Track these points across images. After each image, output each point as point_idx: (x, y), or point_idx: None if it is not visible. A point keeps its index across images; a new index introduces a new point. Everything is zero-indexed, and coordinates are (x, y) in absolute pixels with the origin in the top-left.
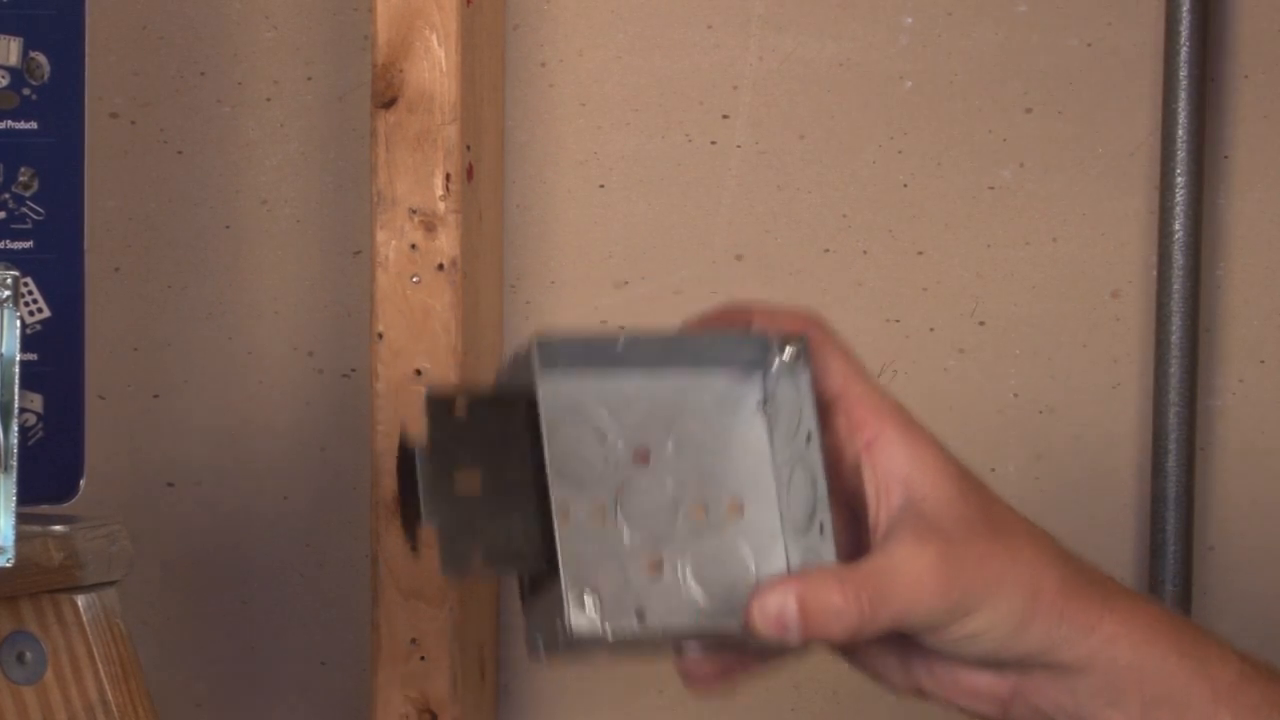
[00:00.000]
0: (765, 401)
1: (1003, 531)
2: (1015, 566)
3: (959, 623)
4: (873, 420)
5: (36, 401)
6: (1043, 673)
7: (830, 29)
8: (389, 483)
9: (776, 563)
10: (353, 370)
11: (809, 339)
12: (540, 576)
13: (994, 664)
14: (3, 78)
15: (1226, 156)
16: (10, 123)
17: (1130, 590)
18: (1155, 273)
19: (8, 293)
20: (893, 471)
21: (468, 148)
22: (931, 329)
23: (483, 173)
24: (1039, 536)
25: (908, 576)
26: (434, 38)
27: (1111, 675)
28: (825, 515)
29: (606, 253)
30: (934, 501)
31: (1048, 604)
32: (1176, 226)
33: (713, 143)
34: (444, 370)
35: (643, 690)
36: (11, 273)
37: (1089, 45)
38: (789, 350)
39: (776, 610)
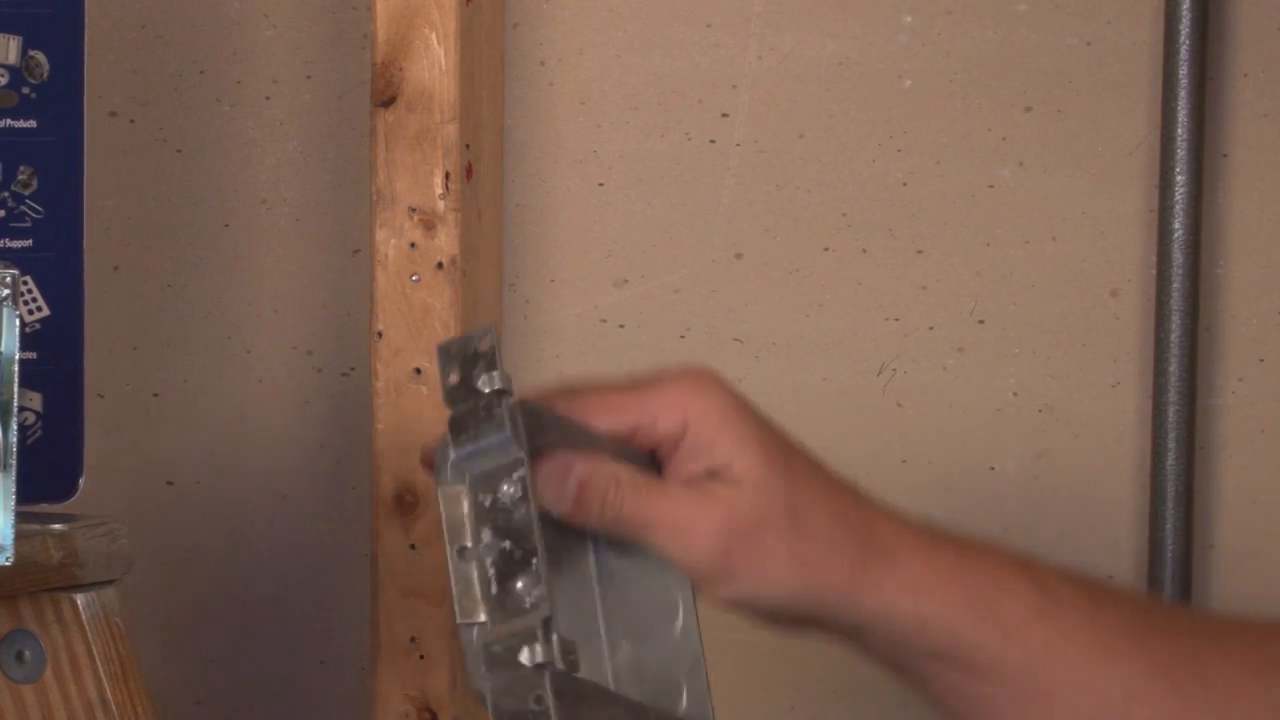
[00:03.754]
0: None
1: (796, 516)
2: (792, 549)
3: (718, 585)
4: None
5: (36, 400)
6: (824, 630)
7: (830, 28)
8: (388, 481)
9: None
10: (352, 369)
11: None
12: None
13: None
14: (2, 76)
15: (1226, 155)
16: (9, 121)
17: (926, 541)
18: (1155, 271)
19: (7, 291)
20: (711, 449)
21: (467, 146)
22: (931, 328)
23: (482, 171)
24: (840, 518)
25: (683, 523)
26: (433, 36)
27: (891, 631)
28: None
29: (606, 251)
30: (739, 474)
31: (820, 582)
32: (1176, 225)
33: (712, 141)
34: None
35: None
36: (11, 271)
37: (1088, 44)
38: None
39: (564, 468)
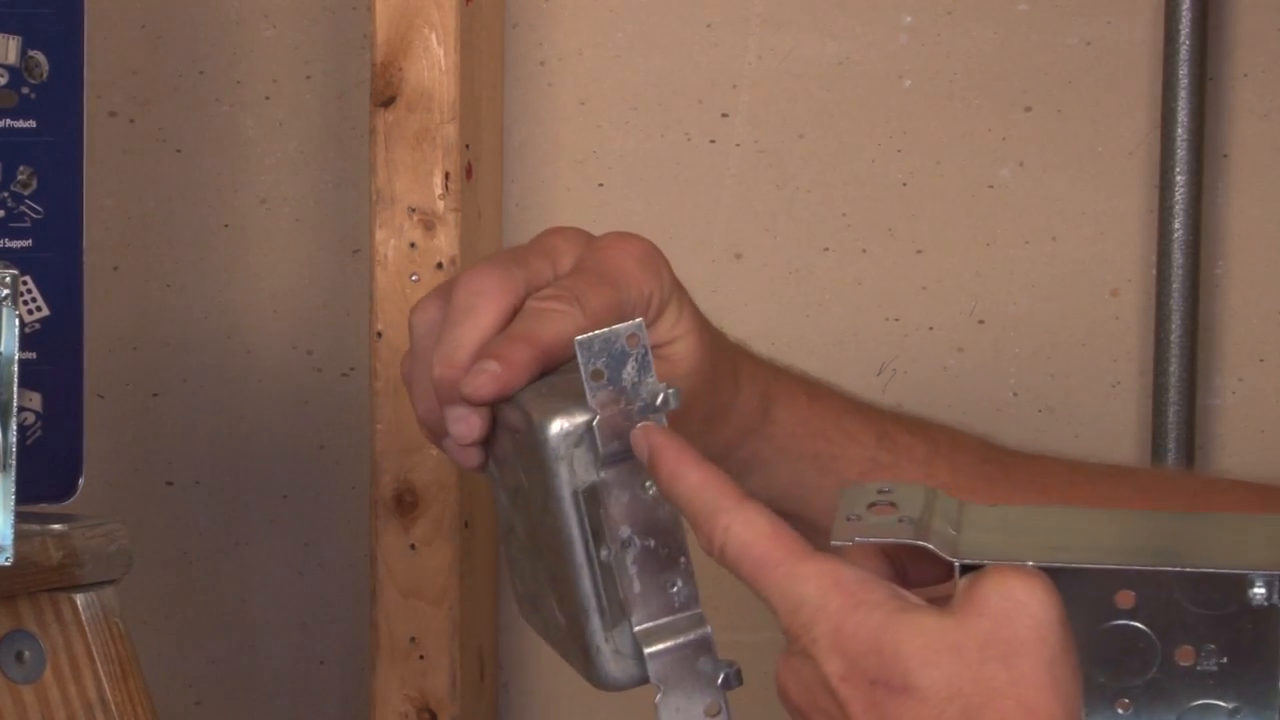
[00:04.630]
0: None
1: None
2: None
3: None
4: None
5: (35, 400)
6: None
7: (830, 28)
8: (388, 481)
9: None
10: (352, 369)
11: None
12: None
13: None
14: (1, 76)
15: (1226, 155)
16: (9, 121)
17: (797, 383)
18: (1155, 271)
19: (7, 291)
20: (658, 327)
21: (467, 146)
22: (931, 328)
23: (482, 171)
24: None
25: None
26: (433, 36)
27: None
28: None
29: None
30: (680, 352)
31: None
32: (1176, 225)
33: (712, 141)
34: None
35: (641, 689)
36: (10, 271)
37: (1088, 44)
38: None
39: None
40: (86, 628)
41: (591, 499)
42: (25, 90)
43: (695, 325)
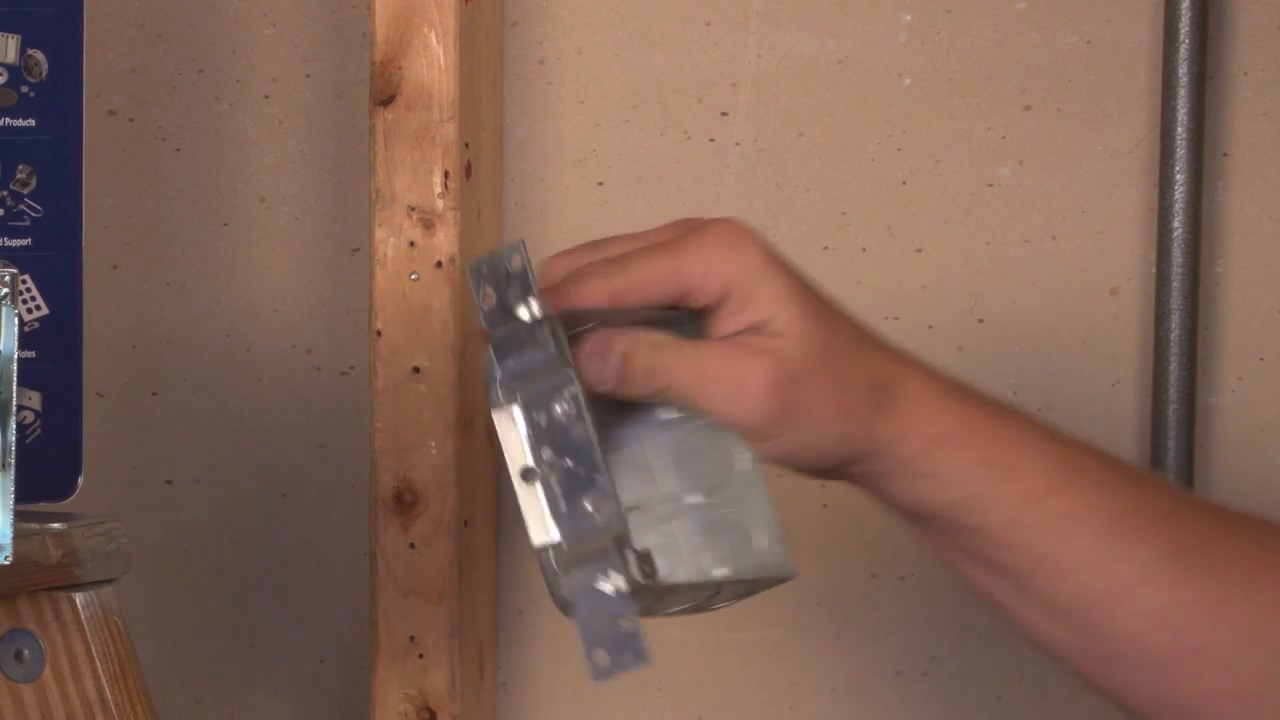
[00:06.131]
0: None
1: (836, 365)
2: (838, 395)
3: (765, 440)
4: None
5: (35, 399)
6: (856, 475)
7: (829, 26)
8: (387, 480)
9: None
10: (351, 368)
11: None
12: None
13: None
14: (1, 75)
15: (1225, 154)
16: (8, 120)
17: (956, 398)
18: (1154, 270)
19: (6, 290)
20: (752, 304)
21: (466, 145)
22: (930, 326)
23: (481, 170)
24: (873, 369)
25: (731, 380)
26: (432, 35)
27: (913, 480)
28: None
29: None
30: (782, 326)
31: (858, 428)
32: (1175, 224)
33: (711, 140)
34: (442, 367)
35: (642, 689)
36: (10, 270)
37: (1088, 42)
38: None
39: (605, 345)
40: (86, 627)
41: (527, 422)
42: (24, 89)
43: (797, 300)
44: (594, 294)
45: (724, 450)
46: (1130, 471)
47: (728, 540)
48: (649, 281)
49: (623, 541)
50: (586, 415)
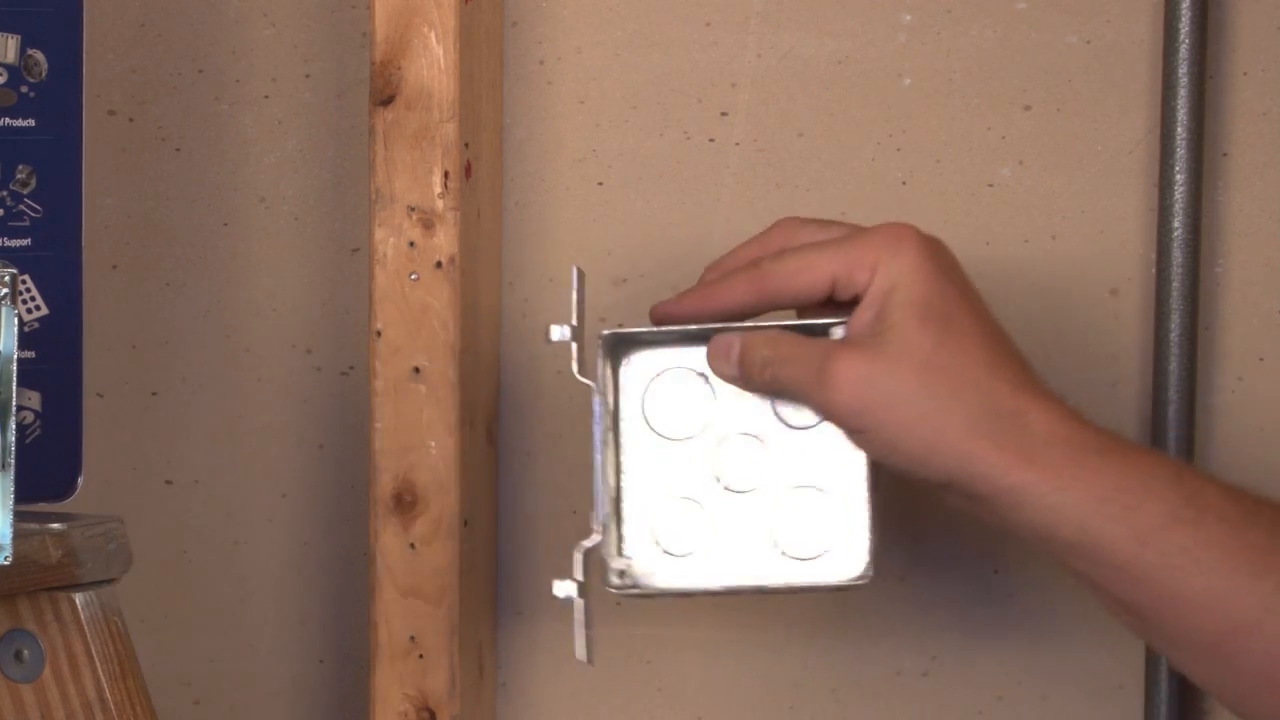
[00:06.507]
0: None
1: (933, 376)
2: (925, 405)
3: (857, 436)
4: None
5: (35, 399)
6: (961, 496)
7: (829, 26)
8: (387, 480)
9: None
10: (351, 368)
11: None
12: None
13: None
14: (1, 75)
15: (1226, 154)
16: (8, 120)
17: (1076, 435)
18: (1154, 270)
19: (6, 290)
20: (885, 301)
21: (466, 145)
22: None
23: (481, 170)
24: (988, 394)
25: (826, 373)
26: (432, 35)
27: (1024, 517)
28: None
29: (605, 250)
30: (891, 325)
31: (949, 445)
32: (1175, 224)
33: (711, 140)
34: (442, 367)
35: (642, 689)
36: (9, 270)
37: (1088, 42)
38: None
39: (727, 344)
40: (85, 627)
41: None
42: (24, 89)
43: (926, 307)
44: (732, 289)
45: (843, 455)
46: (1257, 505)
47: (809, 534)
48: (798, 270)
49: (586, 557)
50: (598, 439)
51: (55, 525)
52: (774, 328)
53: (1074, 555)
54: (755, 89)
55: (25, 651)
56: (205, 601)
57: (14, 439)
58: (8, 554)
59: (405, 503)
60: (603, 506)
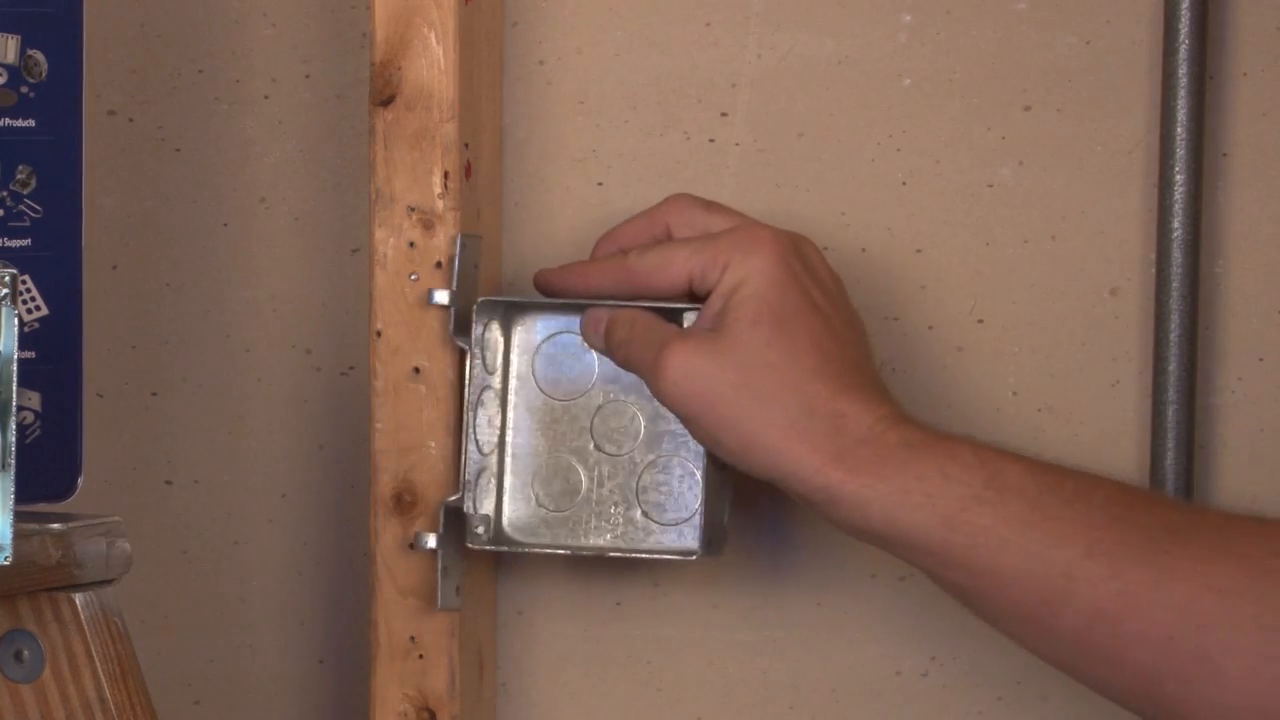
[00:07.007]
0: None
1: (755, 376)
2: (745, 402)
3: (685, 424)
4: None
5: (34, 399)
6: (789, 493)
7: (829, 26)
8: (387, 480)
9: None
10: (351, 368)
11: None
12: None
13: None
14: (1, 75)
15: (1225, 154)
16: (8, 120)
17: (888, 432)
18: (1154, 270)
19: (6, 290)
20: (729, 298)
21: (466, 145)
22: (930, 327)
23: (481, 170)
24: (807, 397)
25: (661, 363)
26: (432, 35)
27: (839, 514)
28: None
29: None
30: (726, 324)
31: (767, 444)
32: (1175, 224)
33: (711, 140)
34: (442, 367)
35: (642, 689)
36: (9, 270)
37: (1088, 43)
38: None
39: (596, 319)
40: (85, 627)
41: None
42: (24, 89)
43: (765, 309)
44: (603, 274)
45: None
46: (1060, 478)
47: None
48: (659, 267)
49: (439, 515)
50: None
51: (55, 525)
52: (638, 308)
53: (894, 547)
54: (755, 89)
55: (25, 652)
56: (205, 601)
57: (14, 439)
58: (8, 554)
59: (405, 503)
60: (469, 466)
